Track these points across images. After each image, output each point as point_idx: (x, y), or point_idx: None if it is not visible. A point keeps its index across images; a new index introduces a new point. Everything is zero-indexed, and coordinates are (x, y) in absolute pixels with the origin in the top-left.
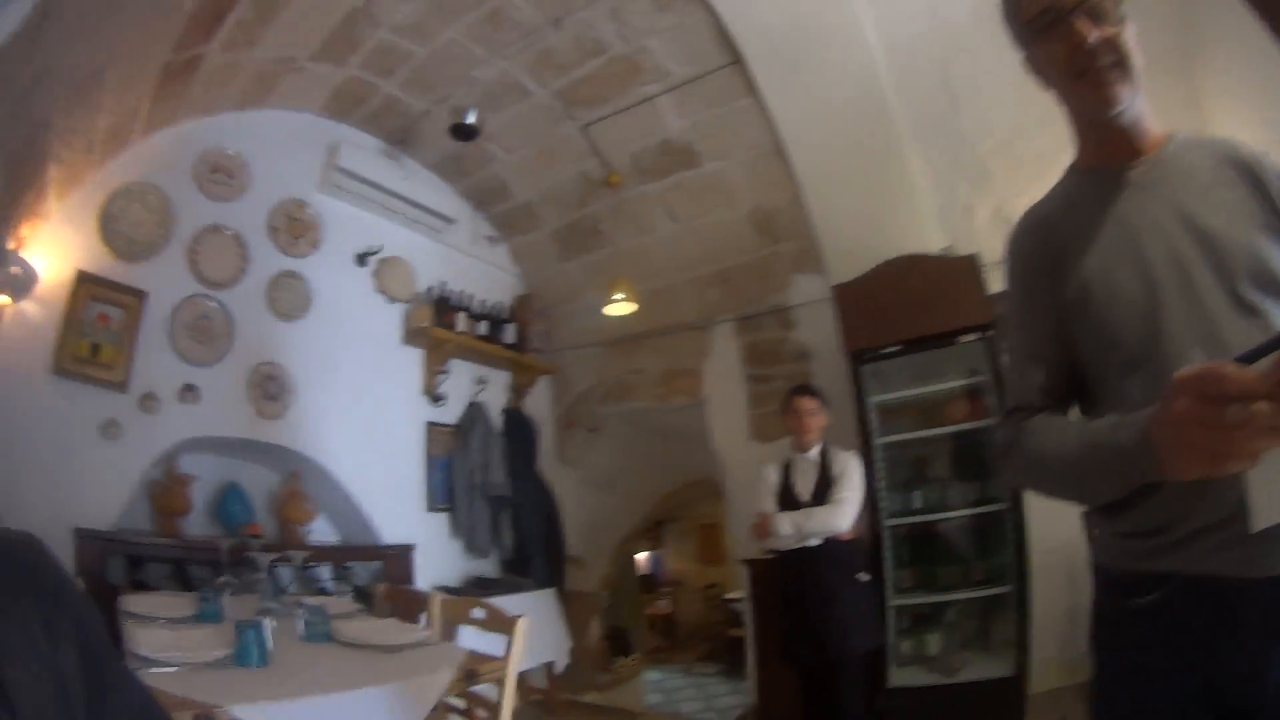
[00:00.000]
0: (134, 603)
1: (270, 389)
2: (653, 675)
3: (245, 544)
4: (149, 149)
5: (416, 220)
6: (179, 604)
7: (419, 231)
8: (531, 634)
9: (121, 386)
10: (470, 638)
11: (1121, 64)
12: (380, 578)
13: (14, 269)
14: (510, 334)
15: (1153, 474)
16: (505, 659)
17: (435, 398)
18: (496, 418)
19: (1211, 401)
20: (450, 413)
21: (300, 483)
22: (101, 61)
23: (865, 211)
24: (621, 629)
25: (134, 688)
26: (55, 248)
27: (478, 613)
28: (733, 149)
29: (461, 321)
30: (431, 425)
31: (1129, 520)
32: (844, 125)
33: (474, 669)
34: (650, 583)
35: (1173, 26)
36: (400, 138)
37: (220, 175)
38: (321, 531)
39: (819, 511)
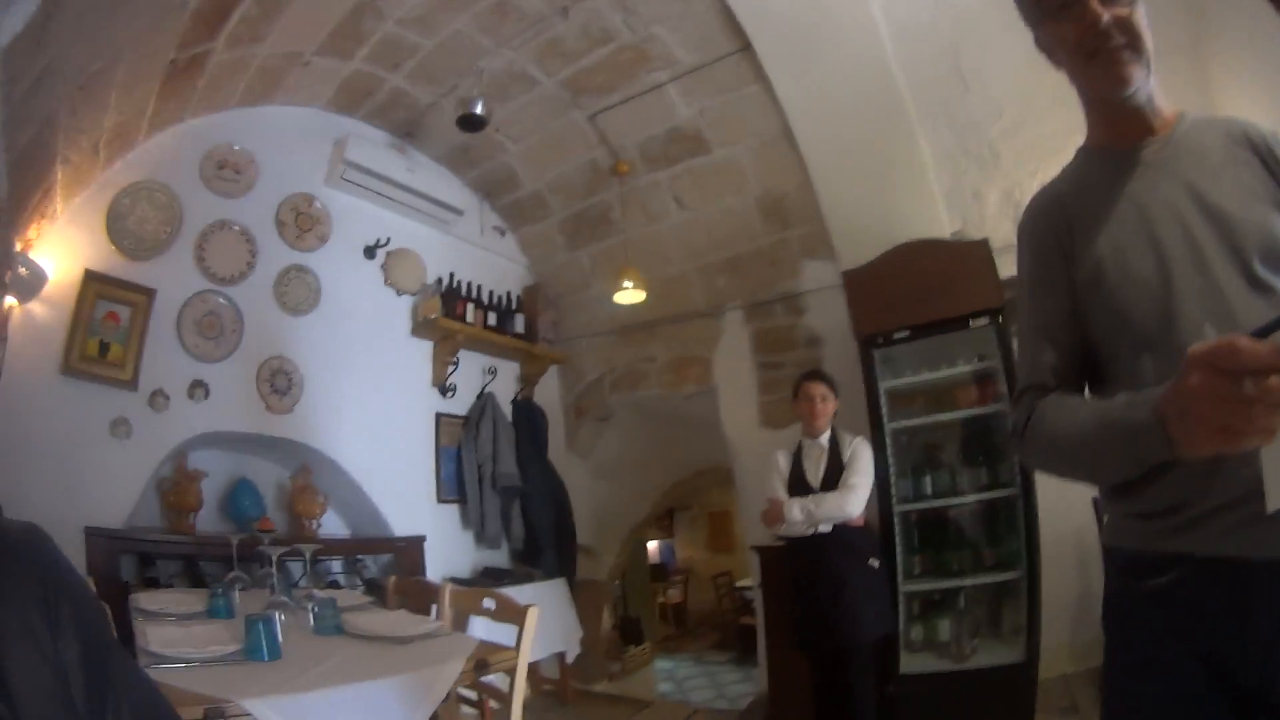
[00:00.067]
0: (145, 600)
1: (279, 383)
2: (664, 664)
3: (256, 539)
4: (155, 147)
5: (425, 212)
6: (190, 600)
7: (427, 223)
8: (542, 624)
9: (131, 385)
10: (481, 628)
11: (1133, 45)
12: (391, 570)
13: (22, 270)
14: (519, 324)
15: (1166, 452)
16: (516, 649)
17: (445, 389)
18: (506, 408)
19: (1226, 376)
20: (460, 404)
21: (310, 476)
22: (107, 61)
23: (875, 196)
24: (632, 618)
25: (137, 677)
26: (63, 248)
27: (488, 603)
28: (741, 136)
29: (470, 312)
30: (441, 416)
31: (1142, 501)
32: (853, 110)
33: (485, 659)
34: (661, 571)
35: (1183, 8)
36: (407, 130)
37: (228, 171)
38: (332, 525)
39: (829, 497)
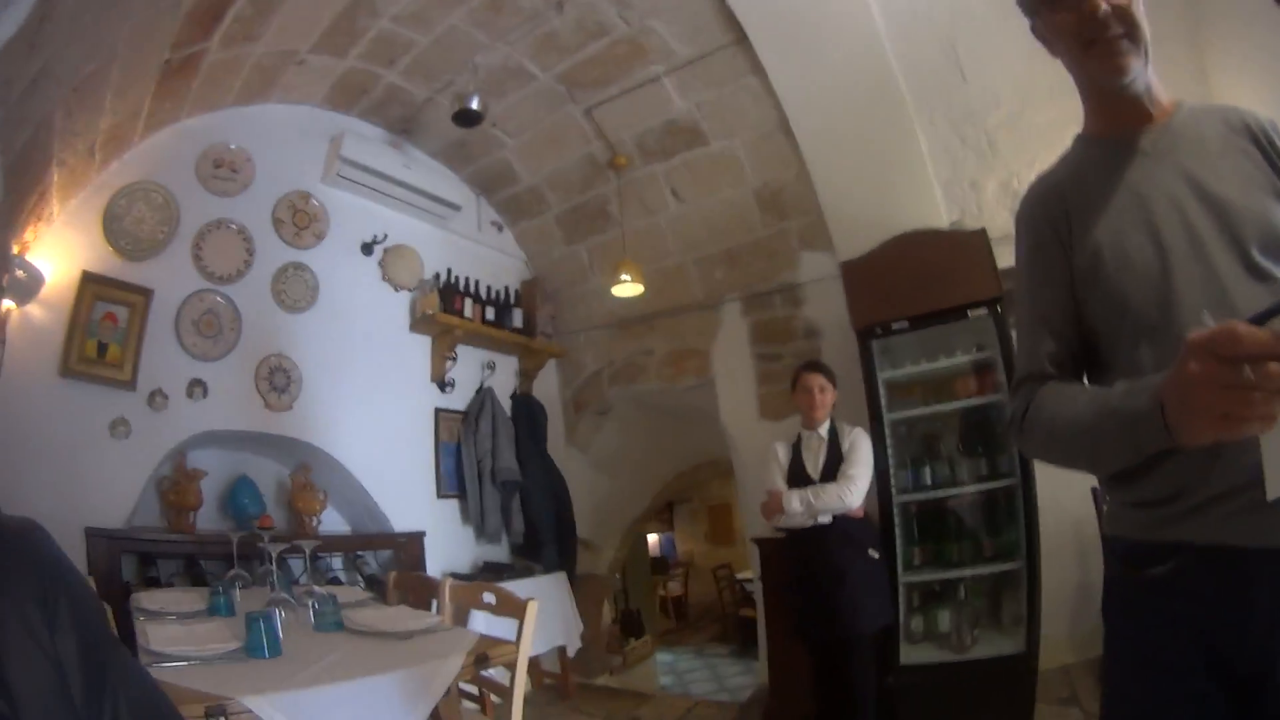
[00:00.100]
0: (146, 599)
1: (278, 381)
2: (665, 657)
3: (256, 536)
4: (151, 148)
5: (422, 208)
6: (190, 599)
7: (424, 219)
8: (543, 618)
9: (129, 385)
10: (482, 623)
11: (1131, 34)
12: (392, 566)
13: (19, 273)
14: (517, 318)
15: (1166, 439)
16: (517, 643)
17: (443, 384)
18: (505, 403)
19: (1225, 362)
20: (459, 399)
21: (310, 473)
22: (101, 63)
23: (872, 187)
24: (633, 611)
25: (135, 672)
26: (60, 250)
27: (489, 598)
28: (738, 128)
29: (469, 307)
30: (440, 412)
31: (1141, 489)
32: (849, 101)
33: (485, 653)
34: (661, 564)
35: None
36: (404, 127)
37: (224, 170)
38: (332, 521)
39: (829, 488)
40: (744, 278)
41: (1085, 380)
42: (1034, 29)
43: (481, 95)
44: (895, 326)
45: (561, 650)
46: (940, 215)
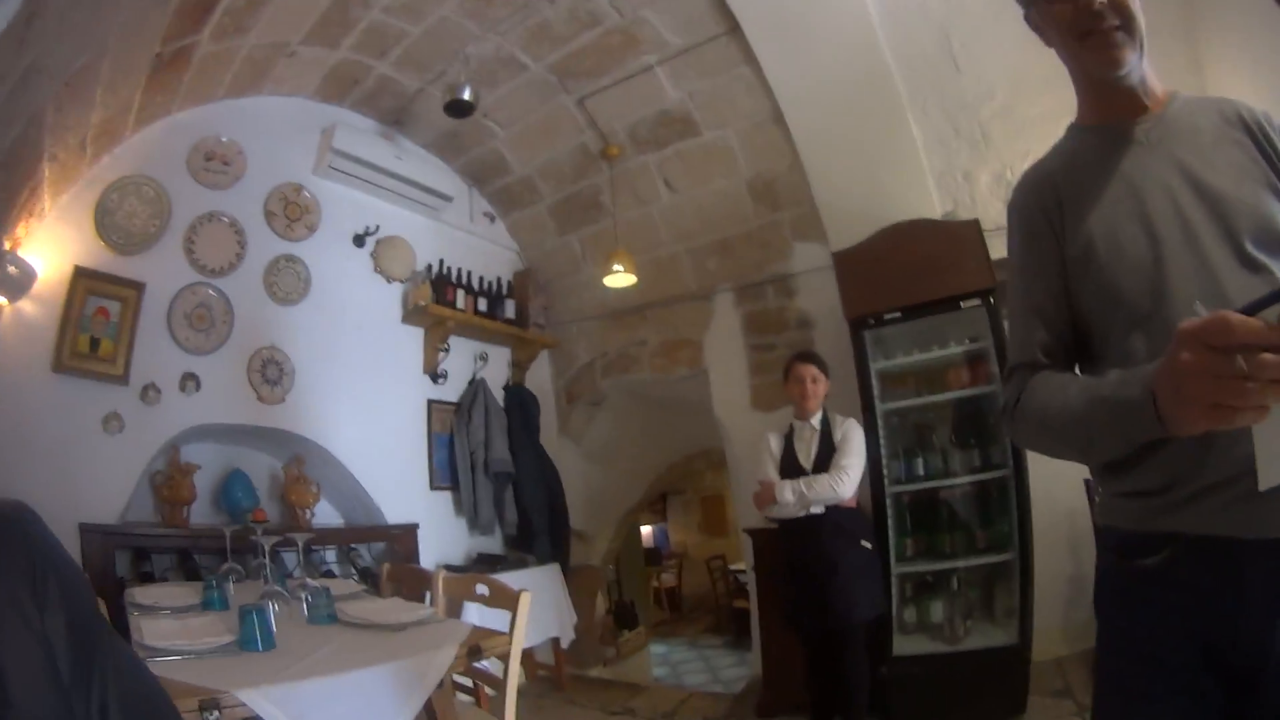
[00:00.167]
0: (140, 594)
1: (271, 374)
2: (658, 648)
3: (250, 530)
4: (142, 141)
5: (414, 199)
6: (184, 593)
7: (417, 210)
8: (536, 609)
9: (122, 380)
10: (475, 614)
11: (1126, 26)
12: (385, 558)
13: (11, 269)
14: (510, 309)
15: (1158, 429)
16: (510, 634)
17: (436, 376)
18: (498, 394)
19: (1218, 352)
20: (452, 390)
21: (303, 466)
22: (91, 57)
23: (865, 178)
24: (626, 603)
25: (122, 651)
26: (52, 245)
27: (482, 589)
28: (731, 118)
29: (461, 298)
30: (433, 403)
31: (1134, 479)
32: (842, 91)
33: (479, 645)
34: (655, 556)
35: None
36: (396, 118)
37: (215, 163)
38: (325, 514)
39: (821, 479)
40: (737, 268)
41: (1077, 370)
42: (1028, 19)
43: (473, 86)
44: (888, 317)
45: (555, 642)
46: (933, 206)
